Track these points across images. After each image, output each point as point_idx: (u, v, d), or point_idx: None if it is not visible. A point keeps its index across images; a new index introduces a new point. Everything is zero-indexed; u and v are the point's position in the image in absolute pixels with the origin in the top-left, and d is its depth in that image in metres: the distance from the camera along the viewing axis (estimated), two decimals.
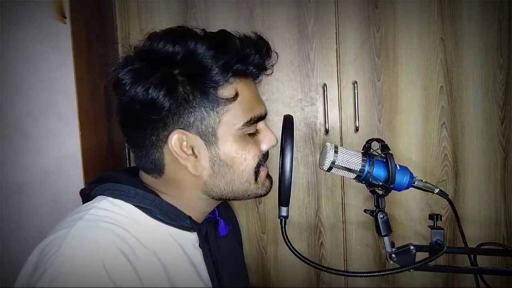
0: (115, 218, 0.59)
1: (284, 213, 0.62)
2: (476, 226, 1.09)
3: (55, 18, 0.86)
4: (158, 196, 0.64)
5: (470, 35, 1.06)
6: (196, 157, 0.62)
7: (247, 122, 0.62)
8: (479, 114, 1.07)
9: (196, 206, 0.67)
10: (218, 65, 0.58)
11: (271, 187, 0.70)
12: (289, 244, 0.61)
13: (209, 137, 0.61)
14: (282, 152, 0.60)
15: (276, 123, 1.08)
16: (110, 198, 0.61)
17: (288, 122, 0.63)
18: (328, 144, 0.67)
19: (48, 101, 0.88)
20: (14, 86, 0.87)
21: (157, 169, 0.64)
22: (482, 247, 0.74)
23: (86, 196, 0.65)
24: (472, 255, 0.74)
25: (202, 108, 0.59)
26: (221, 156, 0.62)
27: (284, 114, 0.66)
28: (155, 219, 0.62)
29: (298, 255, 0.61)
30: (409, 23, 1.06)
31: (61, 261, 0.51)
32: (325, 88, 1.07)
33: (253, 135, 0.65)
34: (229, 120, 0.61)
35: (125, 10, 1.07)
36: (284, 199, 0.61)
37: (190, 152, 0.61)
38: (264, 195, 0.69)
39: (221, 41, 0.60)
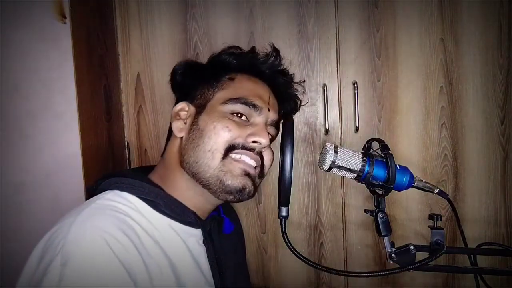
0: (121, 208, 0.60)
1: (284, 213, 0.62)
2: (476, 226, 1.09)
3: (55, 18, 0.86)
4: (163, 190, 0.66)
5: (470, 35, 1.06)
6: (185, 123, 0.71)
7: (233, 98, 0.69)
8: (479, 114, 1.07)
9: (193, 201, 0.68)
10: (231, 59, 0.77)
11: (243, 183, 0.66)
12: (289, 244, 0.61)
13: (200, 108, 0.71)
14: (282, 152, 0.60)
15: None
16: (117, 191, 0.63)
17: (288, 122, 0.63)
18: (328, 144, 0.67)
19: (48, 101, 0.88)
20: (14, 86, 0.87)
21: (167, 141, 0.76)
22: (482, 247, 0.75)
23: (93, 191, 0.66)
24: (472, 255, 0.74)
25: (206, 87, 0.74)
26: (199, 121, 0.69)
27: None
28: (160, 212, 0.63)
29: (298, 255, 0.61)
30: (409, 23, 1.06)
31: (70, 247, 0.51)
32: (325, 88, 1.07)
33: (243, 119, 0.69)
34: (220, 96, 0.71)
35: (125, 10, 1.07)
36: (284, 199, 0.61)
37: (184, 117, 0.73)
38: (233, 191, 0.66)
39: (240, 49, 0.82)
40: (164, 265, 0.59)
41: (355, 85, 1.06)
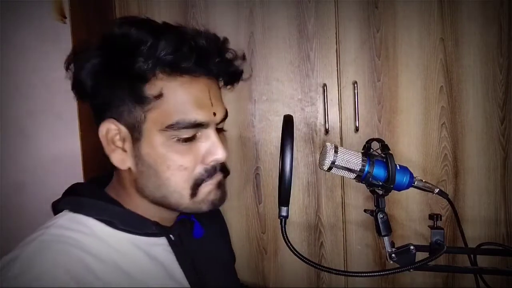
0: (73, 237, 0.56)
1: (284, 213, 0.62)
2: (476, 226, 1.09)
3: (55, 18, 0.86)
4: (120, 205, 0.61)
5: (470, 35, 1.06)
6: (125, 151, 0.58)
7: (170, 125, 0.55)
8: (479, 114, 1.07)
9: (152, 212, 0.62)
10: (144, 51, 0.53)
11: (220, 200, 0.63)
12: (289, 244, 0.61)
13: (134, 132, 0.57)
14: (282, 152, 0.59)
15: (276, 123, 1.08)
16: (71, 214, 0.59)
17: (288, 122, 0.63)
18: (328, 144, 0.67)
19: (48, 101, 0.88)
20: (14, 86, 0.87)
21: (107, 160, 0.61)
22: (482, 247, 0.74)
23: (55, 210, 0.62)
24: (472, 255, 0.74)
25: (128, 101, 0.56)
26: (143, 155, 0.57)
27: (284, 114, 0.66)
28: (119, 230, 0.59)
29: (298, 255, 0.61)
30: (409, 23, 1.06)
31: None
32: (325, 88, 1.07)
33: (192, 141, 0.58)
34: (154, 118, 0.56)
35: (125, 10, 1.07)
36: (284, 199, 0.61)
37: (120, 144, 0.58)
38: (209, 210, 0.62)
39: (155, 27, 0.57)
40: (123, 284, 0.56)
41: (355, 85, 1.06)
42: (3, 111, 0.87)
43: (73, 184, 0.66)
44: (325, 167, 0.65)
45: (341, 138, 1.09)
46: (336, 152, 0.65)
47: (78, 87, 0.59)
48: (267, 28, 1.07)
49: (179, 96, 0.56)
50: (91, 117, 0.62)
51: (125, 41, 0.54)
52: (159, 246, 0.63)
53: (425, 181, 0.69)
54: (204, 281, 0.66)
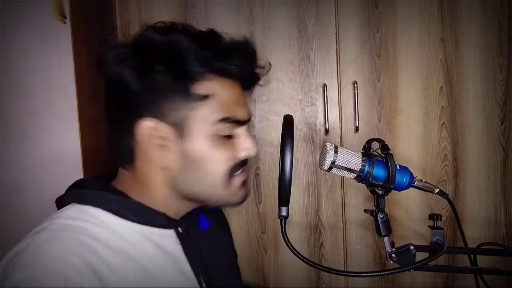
0: (82, 226, 0.56)
1: (284, 213, 0.62)
2: (476, 226, 1.09)
3: (55, 18, 0.86)
4: (127, 197, 0.62)
5: (470, 35, 1.06)
6: (165, 148, 0.61)
7: (220, 119, 0.60)
8: (479, 114, 1.07)
9: (167, 206, 0.64)
10: (197, 58, 0.58)
11: (245, 197, 0.68)
12: (289, 244, 0.61)
13: (180, 130, 0.60)
14: (282, 152, 0.59)
15: (276, 123, 1.08)
16: (79, 205, 0.60)
17: (288, 122, 0.63)
18: (328, 144, 0.67)
19: (48, 101, 0.88)
20: (14, 86, 0.87)
21: (128, 159, 0.63)
22: (482, 247, 0.75)
23: (60, 204, 0.63)
24: (472, 255, 0.74)
25: (177, 99, 0.59)
26: (189, 151, 0.60)
27: (284, 114, 0.66)
28: (128, 220, 0.60)
29: (298, 255, 0.61)
30: (409, 23, 1.06)
31: (19, 277, 0.49)
32: (325, 88, 1.07)
33: (229, 138, 0.63)
34: (202, 115, 0.60)
35: (125, 10, 1.07)
36: (284, 199, 0.61)
37: (160, 142, 0.60)
38: (238, 205, 0.67)
39: (205, 37, 0.61)
40: (134, 273, 0.57)
41: (355, 85, 1.06)
42: (3, 111, 0.87)
43: (77, 180, 0.66)
44: (325, 167, 0.66)
45: (341, 138, 1.09)
46: (336, 152, 0.65)
47: (117, 85, 0.60)
48: (267, 28, 1.07)
49: (224, 96, 0.61)
50: (114, 115, 0.63)
51: (178, 47, 0.58)
52: (168, 238, 0.64)
53: (425, 181, 0.69)
54: (210, 273, 0.67)
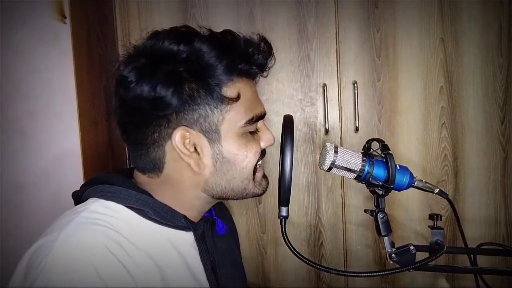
0: (107, 220, 0.58)
1: (284, 213, 0.62)
2: (476, 226, 1.09)
3: (55, 18, 0.86)
4: (151, 196, 0.64)
5: (470, 35, 1.06)
6: (198, 154, 0.62)
7: (249, 120, 0.63)
8: (479, 114, 1.07)
9: (192, 206, 0.67)
10: (223, 65, 0.60)
11: (267, 186, 0.71)
12: (289, 244, 0.61)
13: (212, 135, 0.62)
14: (282, 152, 0.60)
15: (276, 123, 1.08)
16: (102, 200, 0.61)
17: (288, 122, 0.63)
18: (328, 144, 0.67)
19: (48, 101, 0.88)
20: (14, 86, 0.87)
21: (156, 168, 0.64)
22: (482, 247, 0.74)
23: (78, 198, 0.64)
24: (472, 255, 0.74)
25: (207, 106, 0.60)
26: (224, 153, 0.63)
27: (284, 114, 0.66)
28: (149, 219, 0.62)
29: (298, 255, 0.61)
30: (409, 23, 1.06)
31: (52, 267, 0.50)
32: (325, 88, 1.07)
33: (253, 133, 0.66)
34: (232, 118, 0.62)
35: (125, 10, 1.07)
36: (284, 199, 0.61)
37: (192, 149, 0.62)
38: (261, 194, 0.70)
39: (225, 41, 0.62)
40: (152, 272, 0.58)
41: (355, 85, 1.06)
42: (3, 111, 0.87)
43: (98, 175, 0.67)
44: (325, 167, 0.65)
45: (341, 138, 1.09)
46: (336, 152, 0.65)
47: (145, 101, 0.59)
48: (267, 28, 1.07)
49: (248, 95, 0.64)
50: (141, 129, 0.62)
51: (202, 57, 0.59)
52: (185, 241, 0.65)
53: (425, 181, 0.69)
54: (218, 278, 0.69)
